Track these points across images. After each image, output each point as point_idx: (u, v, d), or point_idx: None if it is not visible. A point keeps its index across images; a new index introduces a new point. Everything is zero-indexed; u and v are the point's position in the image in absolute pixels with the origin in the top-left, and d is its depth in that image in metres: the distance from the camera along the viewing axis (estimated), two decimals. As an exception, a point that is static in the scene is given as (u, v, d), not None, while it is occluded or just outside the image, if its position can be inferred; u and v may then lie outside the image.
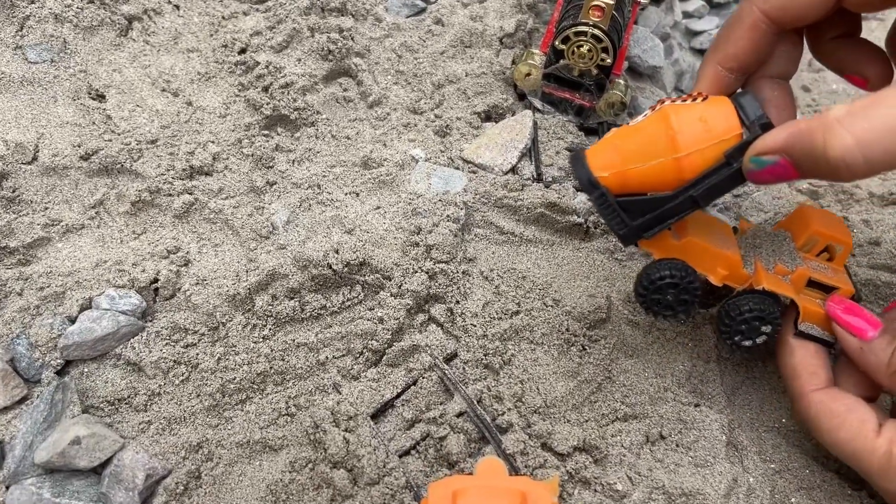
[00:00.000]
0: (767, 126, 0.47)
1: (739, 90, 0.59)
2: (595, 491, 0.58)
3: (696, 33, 1.01)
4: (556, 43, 0.77)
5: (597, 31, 0.75)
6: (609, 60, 0.77)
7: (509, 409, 0.60)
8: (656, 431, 0.62)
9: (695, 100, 0.50)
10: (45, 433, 0.57)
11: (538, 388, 0.63)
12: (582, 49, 0.76)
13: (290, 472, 0.58)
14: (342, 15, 0.89)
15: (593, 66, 0.78)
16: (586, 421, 0.62)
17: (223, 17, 0.89)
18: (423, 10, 0.93)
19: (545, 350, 0.65)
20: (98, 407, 0.61)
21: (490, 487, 0.45)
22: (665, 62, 0.91)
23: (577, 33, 0.75)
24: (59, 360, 0.61)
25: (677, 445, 0.62)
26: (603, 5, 0.73)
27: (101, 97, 0.79)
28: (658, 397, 0.64)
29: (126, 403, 0.61)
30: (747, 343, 0.59)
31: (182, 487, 0.57)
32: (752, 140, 0.46)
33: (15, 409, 0.59)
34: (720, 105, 0.49)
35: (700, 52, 1.00)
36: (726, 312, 0.57)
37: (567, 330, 0.66)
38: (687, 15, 1.02)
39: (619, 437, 0.61)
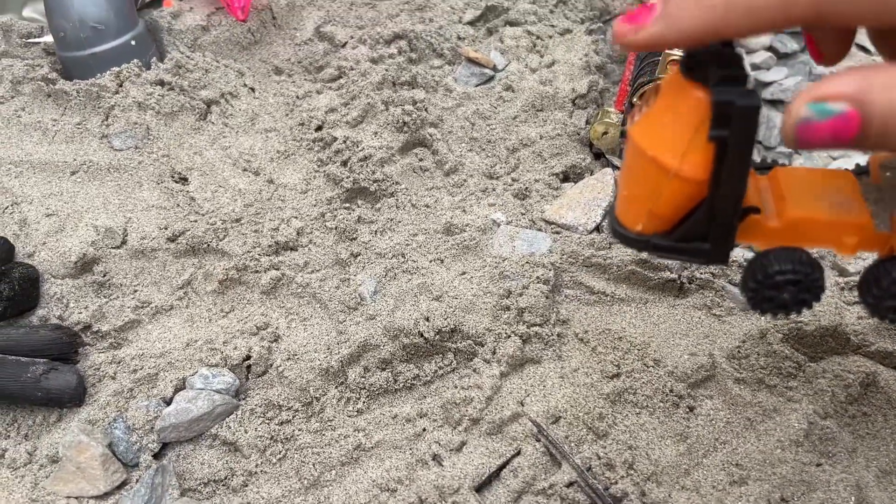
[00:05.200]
0: (727, 60, 0.35)
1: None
2: (721, 562, 0.54)
3: (766, 84, 0.99)
4: (634, 100, 0.76)
5: (675, 85, 0.74)
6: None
7: (622, 477, 0.57)
8: (777, 495, 0.58)
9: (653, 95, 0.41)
10: (147, 518, 0.56)
11: (647, 454, 0.60)
12: (660, 104, 0.75)
13: (396, 552, 0.55)
14: (413, 88, 0.90)
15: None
16: (702, 486, 0.58)
17: (297, 97, 0.90)
18: (491, 79, 0.94)
19: (650, 413, 0.62)
20: (195, 489, 0.60)
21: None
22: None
23: (655, 88, 0.75)
24: (156, 443, 0.60)
25: (802, 509, 0.58)
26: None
27: (184, 180, 0.80)
28: (775, 458, 0.60)
29: (223, 485, 0.60)
30: None
31: (286, 571, 0.55)
32: (719, 102, 0.35)
33: (115, 494, 0.58)
34: (671, 84, 0.38)
35: (772, 103, 0.98)
36: (869, 285, 0.42)
37: (671, 391, 0.63)
38: (755, 67, 1.00)
39: (739, 503, 0.57)
